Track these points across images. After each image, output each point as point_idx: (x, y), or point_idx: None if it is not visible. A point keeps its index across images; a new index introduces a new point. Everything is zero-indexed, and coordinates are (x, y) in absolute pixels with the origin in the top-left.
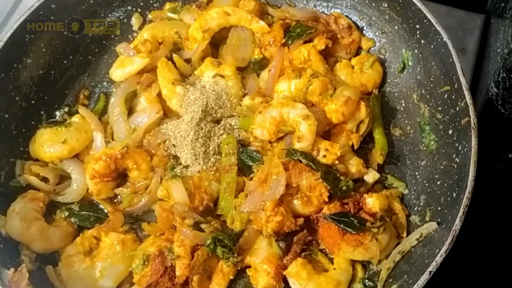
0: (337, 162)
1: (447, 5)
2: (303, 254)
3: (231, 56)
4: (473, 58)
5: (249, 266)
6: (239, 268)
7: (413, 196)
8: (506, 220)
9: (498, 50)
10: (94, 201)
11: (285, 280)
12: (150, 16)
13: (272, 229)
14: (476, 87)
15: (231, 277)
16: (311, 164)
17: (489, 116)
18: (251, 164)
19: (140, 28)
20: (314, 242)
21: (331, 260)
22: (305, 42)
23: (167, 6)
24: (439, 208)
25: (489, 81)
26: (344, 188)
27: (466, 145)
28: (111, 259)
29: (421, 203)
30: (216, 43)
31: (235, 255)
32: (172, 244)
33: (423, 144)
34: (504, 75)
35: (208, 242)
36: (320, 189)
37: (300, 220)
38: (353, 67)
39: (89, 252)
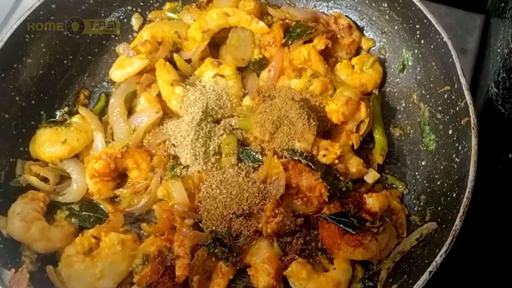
0: (337, 161)
1: (447, 5)
2: (303, 254)
3: (230, 56)
4: (473, 58)
5: (249, 266)
6: (238, 268)
7: (413, 196)
8: (506, 220)
9: (498, 50)
10: (94, 202)
11: (285, 280)
12: (150, 16)
13: (272, 229)
14: (476, 87)
15: (231, 277)
16: (311, 165)
17: (489, 116)
18: (251, 164)
19: (140, 28)
20: (314, 242)
21: (331, 260)
22: (305, 42)
23: (167, 6)
24: (439, 208)
25: (489, 81)
26: (344, 189)
27: (466, 145)
28: (111, 259)
29: (421, 203)
30: (216, 44)
31: (234, 254)
32: (172, 244)
33: (423, 144)
34: (504, 75)
35: (208, 242)
36: (320, 189)
37: (300, 220)
38: (353, 67)
39: (89, 252)
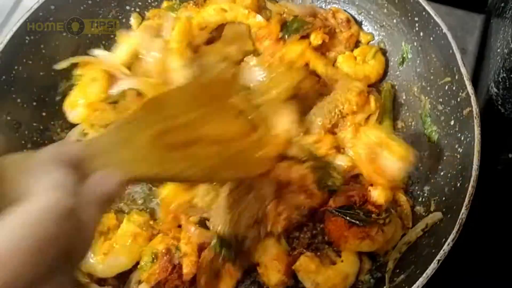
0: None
1: (447, 5)
2: (310, 248)
3: None
4: (473, 58)
5: (257, 264)
6: (246, 266)
7: (417, 188)
8: (506, 221)
9: (498, 50)
10: None
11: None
12: (148, 15)
13: (282, 226)
14: (476, 87)
15: (239, 276)
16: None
17: (489, 116)
18: None
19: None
20: (320, 235)
21: (338, 253)
22: (302, 37)
23: (165, 4)
24: (444, 198)
25: (489, 81)
26: (330, 183)
27: (469, 135)
28: (117, 250)
29: (425, 194)
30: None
31: (241, 256)
32: (179, 242)
33: (425, 136)
34: (504, 75)
35: (214, 242)
36: (309, 177)
37: (306, 211)
38: (355, 58)
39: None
